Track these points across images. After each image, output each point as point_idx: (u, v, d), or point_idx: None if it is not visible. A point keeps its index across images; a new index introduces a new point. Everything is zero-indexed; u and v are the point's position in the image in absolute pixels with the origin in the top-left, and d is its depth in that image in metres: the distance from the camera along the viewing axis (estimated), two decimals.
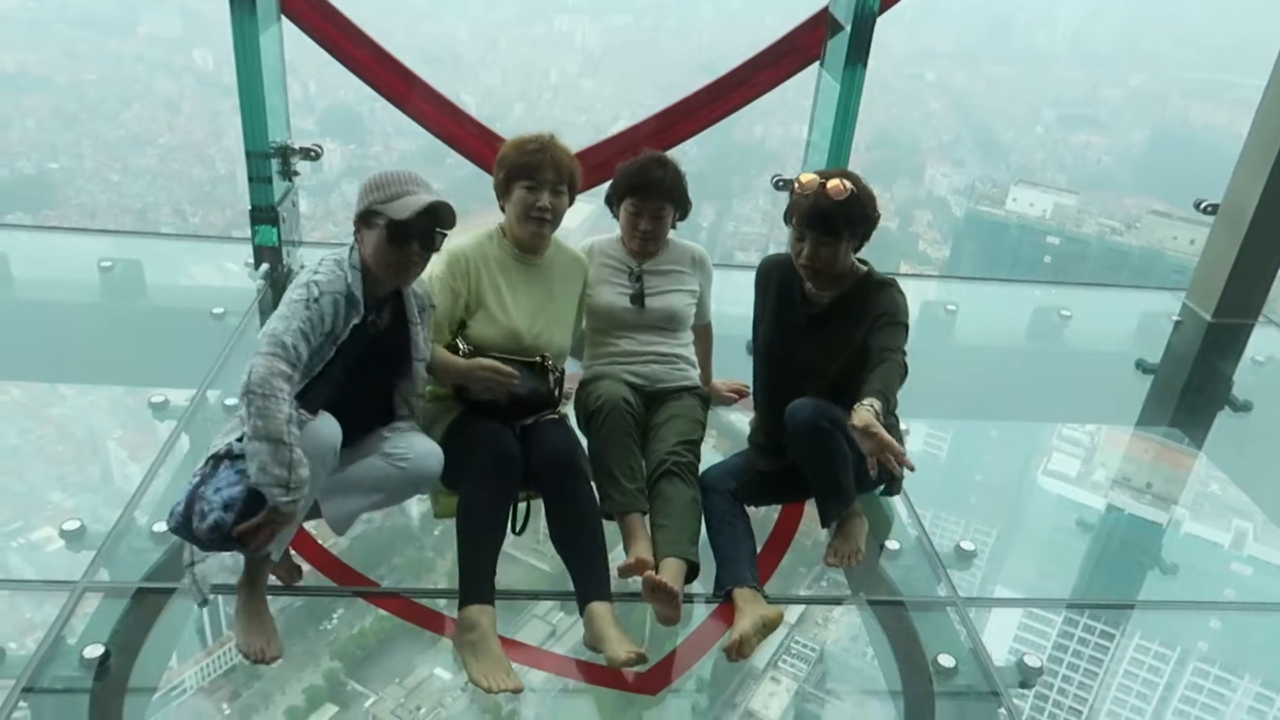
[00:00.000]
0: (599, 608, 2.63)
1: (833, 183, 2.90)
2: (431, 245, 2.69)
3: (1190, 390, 5.05)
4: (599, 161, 4.49)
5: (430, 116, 4.36)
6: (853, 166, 4.37)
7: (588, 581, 2.70)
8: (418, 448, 2.75)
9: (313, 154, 4.38)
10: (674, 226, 3.50)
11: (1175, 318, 5.47)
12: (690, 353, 3.49)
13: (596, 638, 2.60)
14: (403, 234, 2.61)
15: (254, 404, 2.33)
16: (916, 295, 5.89)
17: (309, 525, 3.11)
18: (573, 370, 3.69)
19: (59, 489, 3.68)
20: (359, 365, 2.74)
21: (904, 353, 2.92)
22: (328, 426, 2.54)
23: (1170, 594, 3.69)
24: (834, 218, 2.91)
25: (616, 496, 2.91)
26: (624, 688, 2.72)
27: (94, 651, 2.55)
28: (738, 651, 2.64)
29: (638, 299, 3.40)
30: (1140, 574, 3.93)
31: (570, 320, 3.31)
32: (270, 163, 4.14)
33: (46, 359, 4.18)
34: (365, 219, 2.67)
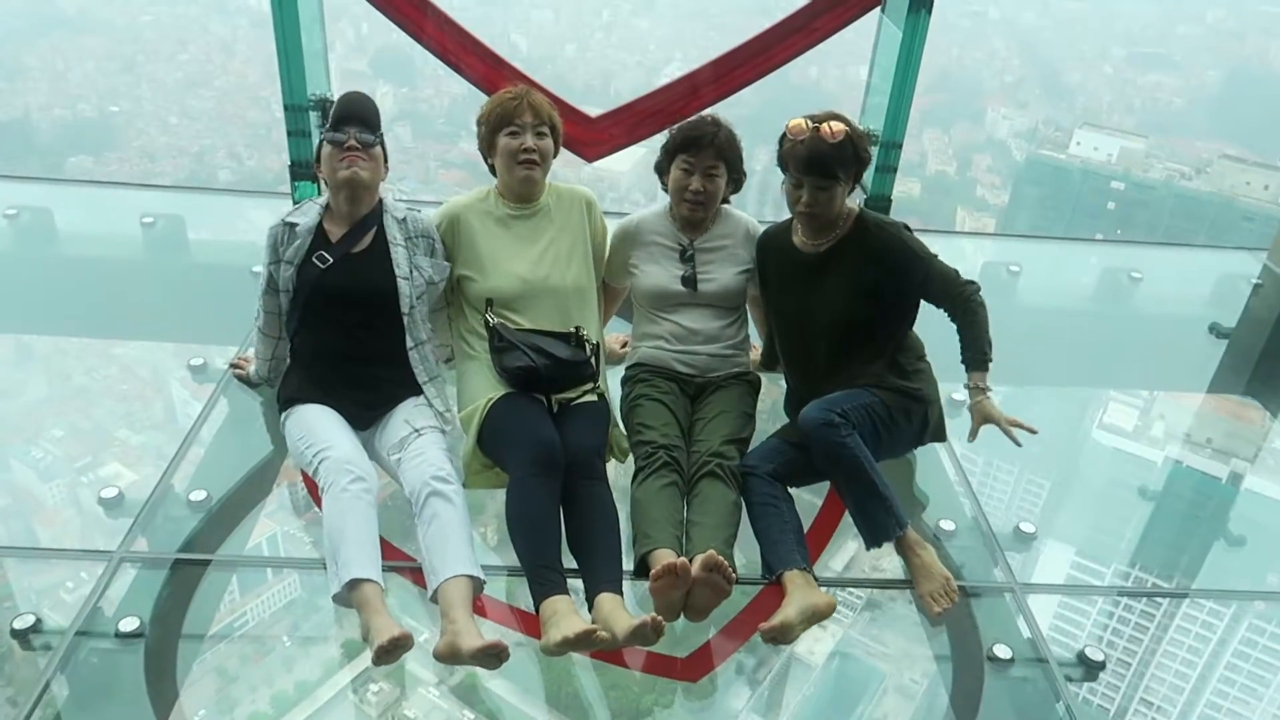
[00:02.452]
0: (607, 599, 2.52)
1: (826, 125, 2.87)
2: (368, 139, 2.92)
3: (1269, 356, 4.78)
4: (654, 110, 4.32)
5: (471, 66, 4.21)
6: (911, 109, 4.21)
7: (599, 574, 2.61)
8: (408, 472, 2.77)
9: None
10: (727, 200, 3.31)
11: (1255, 280, 5.19)
12: (742, 332, 3.33)
13: (604, 625, 2.49)
14: (333, 134, 2.91)
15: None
16: (977, 254, 5.70)
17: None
18: (620, 333, 3.58)
19: (125, 426, 3.80)
20: (344, 289, 2.92)
21: (970, 283, 2.98)
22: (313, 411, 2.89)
23: (1231, 552, 3.57)
24: (831, 161, 2.88)
25: (655, 536, 2.73)
26: (666, 675, 2.69)
27: (129, 625, 2.55)
28: (778, 637, 2.51)
29: (690, 282, 3.25)
30: (1200, 529, 3.84)
31: (582, 255, 3.20)
32: (309, 116, 4.08)
33: (90, 315, 4.20)
34: (319, 150, 2.99)
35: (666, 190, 3.25)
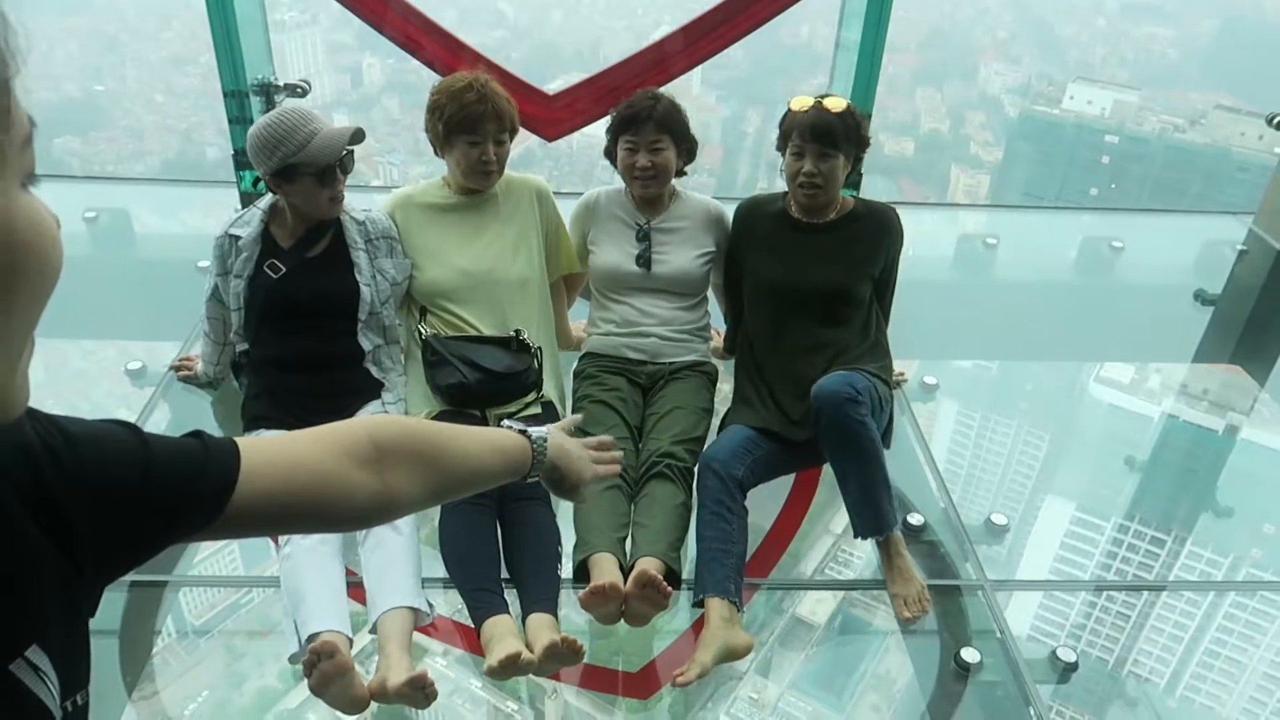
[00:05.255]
0: (537, 618, 2.41)
1: (831, 99, 2.90)
2: (349, 168, 2.80)
3: (1255, 324, 4.65)
4: (615, 84, 4.17)
5: (427, 50, 4.04)
6: (902, 68, 4.13)
7: (532, 593, 2.50)
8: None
9: (299, 90, 4.10)
10: (682, 172, 3.17)
11: (1240, 246, 5.03)
12: (701, 319, 3.20)
13: (532, 645, 2.37)
14: (330, 176, 2.72)
15: None
16: (954, 228, 5.55)
17: None
18: (581, 319, 3.46)
19: (124, 408, 3.67)
20: (302, 297, 2.79)
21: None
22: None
23: (1227, 500, 3.55)
24: (835, 129, 2.86)
25: (593, 542, 2.59)
26: (616, 692, 2.61)
27: None
28: (688, 678, 2.31)
29: (644, 261, 3.13)
30: (1193, 482, 3.81)
31: (530, 247, 3.08)
32: (250, 102, 3.90)
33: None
34: (286, 175, 2.71)
35: (617, 168, 3.13)
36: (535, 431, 1.34)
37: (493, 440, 1.30)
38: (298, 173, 2.67)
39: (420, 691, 2.23)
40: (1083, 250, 5.11)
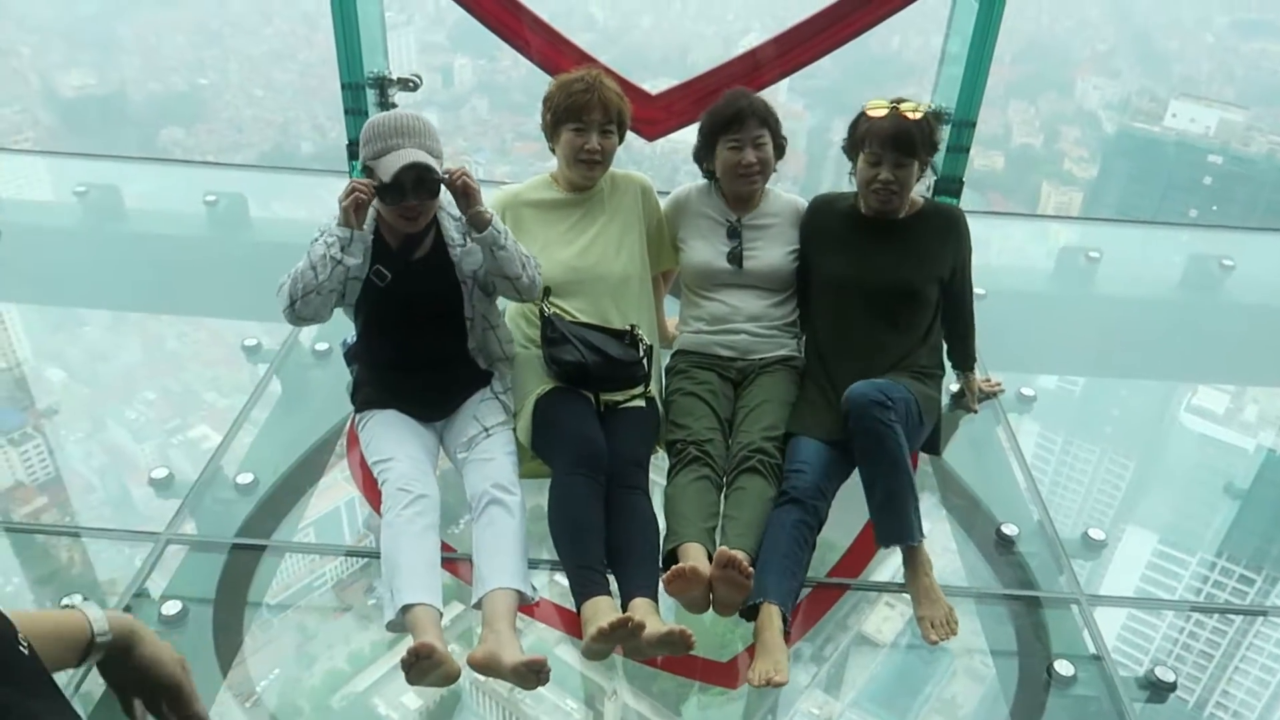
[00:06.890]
0: (641, 603, 2.45)
1: (907, 104, 2.95)
2: (431, 191, 2.67)
3: None
4: (715, 87, 4.20)
5: (532, 45, 4.14)
6: (995, 79, 4.05)
7: (634, 579, 2.53)
8: (472, 476, 2.74)
9: (411, 84, 4.23)
10: (774, 169, 3.22)
11: None
12: (790, 314, 3.24)
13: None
14: (393, 193, 2.69)
15: (286, 293, 2.70)
16: (1050, 241, 5.44)
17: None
18: (673, 316, 3.51)
19: (214, 390, 3.90)
20: (407, 303, 2.82)
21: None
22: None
23: None
24: (914, 137, 2.90)
25: (683, 532, 2.64)
26: (708, 680, 2.66)
27: (172, 609, 2.57)
28: (785, 677, 2.36)
29: (735, 258, 3.18)
30: None
31: (633, 243, 3.13)
32: (366, 94, 4.02)
33: (148, 291, 4.29)
34: (367, 173, 2.76)
35: (708, 176, 3.20)
36: (93, 612, 1.42)
37: (55, 618, 1.39)
38: (372, 176, 2.70)
39: (535, 675, 2.28)
40: (1189, 267, 4.97)
